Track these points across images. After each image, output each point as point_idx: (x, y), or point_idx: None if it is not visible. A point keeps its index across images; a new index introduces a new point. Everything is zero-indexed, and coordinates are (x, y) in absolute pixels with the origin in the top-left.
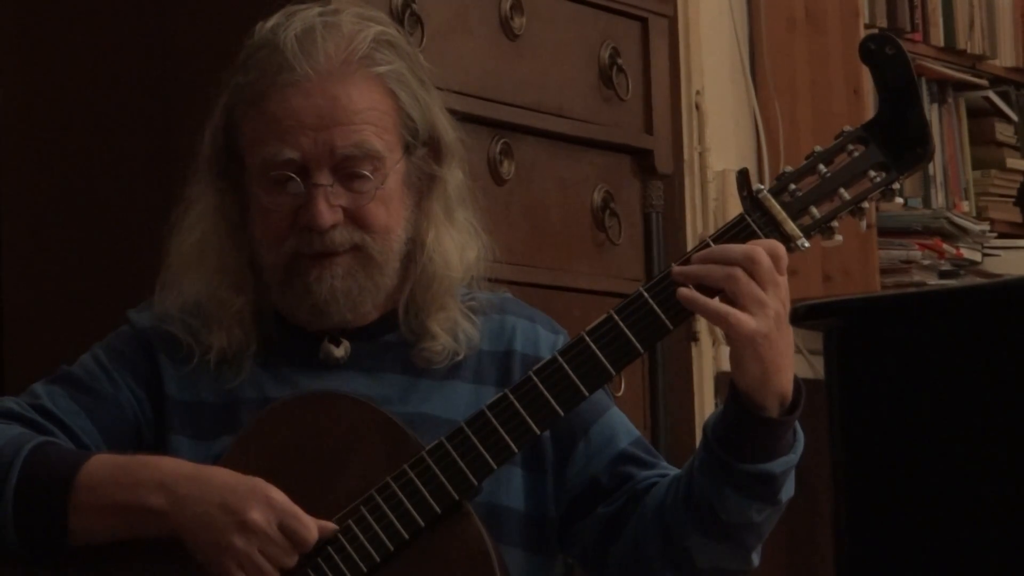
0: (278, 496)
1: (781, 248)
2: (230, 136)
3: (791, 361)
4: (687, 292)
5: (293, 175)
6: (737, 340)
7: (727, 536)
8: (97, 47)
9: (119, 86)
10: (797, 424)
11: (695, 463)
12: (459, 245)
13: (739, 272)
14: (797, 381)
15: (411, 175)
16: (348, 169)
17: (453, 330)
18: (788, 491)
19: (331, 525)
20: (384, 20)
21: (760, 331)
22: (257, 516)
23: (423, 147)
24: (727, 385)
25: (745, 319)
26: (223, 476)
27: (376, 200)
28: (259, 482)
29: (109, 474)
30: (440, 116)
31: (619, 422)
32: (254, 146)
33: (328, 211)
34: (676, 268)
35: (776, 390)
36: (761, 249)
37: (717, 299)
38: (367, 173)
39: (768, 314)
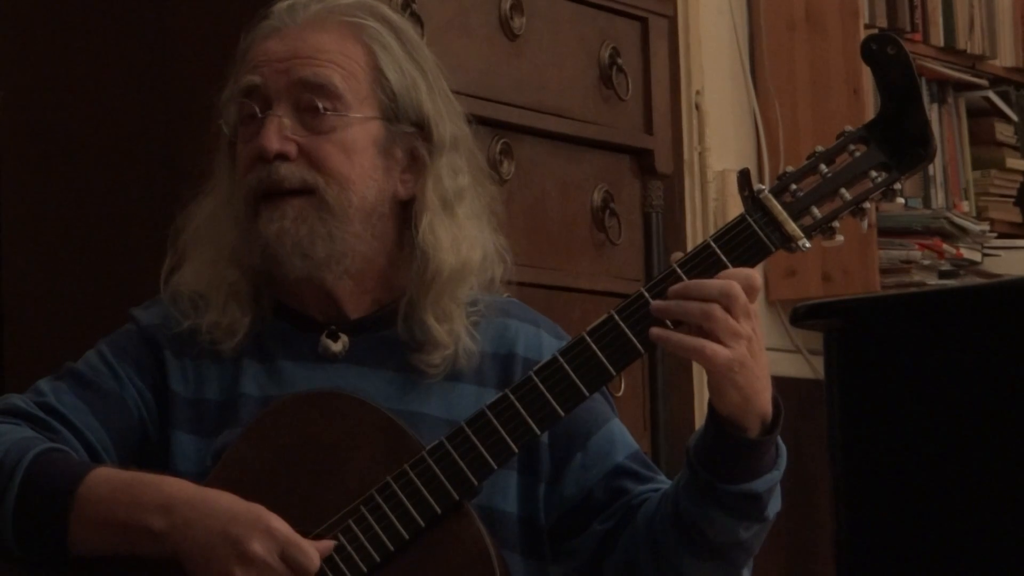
0: (279, 525)
1: (757, 280)
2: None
3: (768, 383)
4: (658, 331)
5: (255, 107)
6: (713, 371)
7: (716, 555)
8: (97, 47)
9: (119, 86)
10: (779, 439)
11: (680, 483)
12: (454, 238)
13: (716, 309)
14: (776, 399)
15: (389, 143)
16: (305, 101)
17: (454, 344)
18: (775, 507)
19: (331, 543)
20: (387, 8)
21: (736, 359)
22: (258, 547)
23: (411, 125)
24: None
25: (720, 351)
26: (224, 502)
27: (334, 143)
28: (260, 510)
29: (111, 490)
30: (437, 105)
31: (619, 435)
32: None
33: (276, 138)
34: (654, 304)
35: (756, 412)
36: (737, 284)
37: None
38: (322, 107)
39: (742, 343)
